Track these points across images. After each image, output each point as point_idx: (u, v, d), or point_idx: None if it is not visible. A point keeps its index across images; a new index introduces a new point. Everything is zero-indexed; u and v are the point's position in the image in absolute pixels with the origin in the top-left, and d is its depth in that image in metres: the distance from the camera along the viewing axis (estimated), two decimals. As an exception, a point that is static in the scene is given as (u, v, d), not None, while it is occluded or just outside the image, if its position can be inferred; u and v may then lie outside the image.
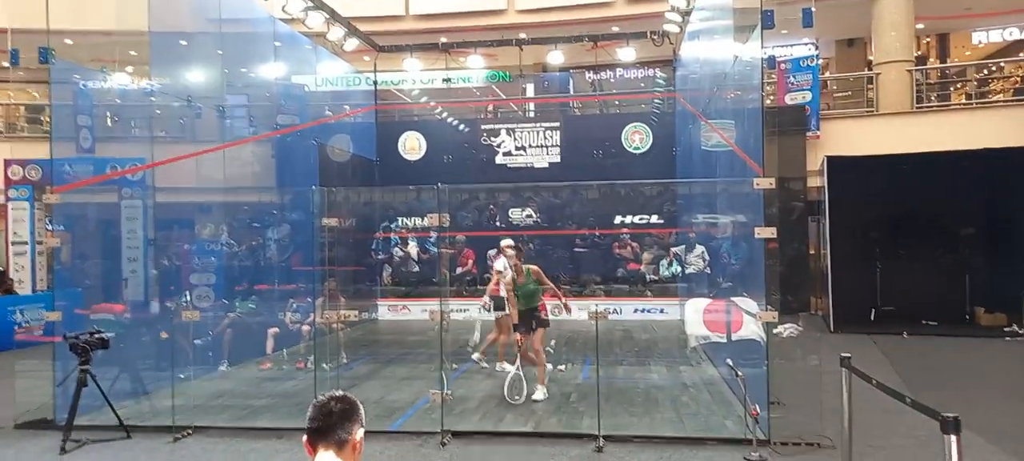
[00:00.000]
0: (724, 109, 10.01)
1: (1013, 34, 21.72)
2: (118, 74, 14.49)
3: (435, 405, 7.62)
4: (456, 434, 7.13)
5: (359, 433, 2.37)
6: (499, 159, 17.21)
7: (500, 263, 10.05)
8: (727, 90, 9.66)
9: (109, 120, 15.66)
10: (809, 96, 16.63)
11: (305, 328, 11.06)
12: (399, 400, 8.56)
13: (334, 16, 14.79)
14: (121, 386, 8.28)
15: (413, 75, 18.28)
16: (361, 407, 2.42)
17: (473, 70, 18.22)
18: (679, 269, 15.12)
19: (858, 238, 13.87)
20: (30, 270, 14.60)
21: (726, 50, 9.44)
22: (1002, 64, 21.16)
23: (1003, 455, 6.40)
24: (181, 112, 13.41)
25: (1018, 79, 19.34)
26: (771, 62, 16.59)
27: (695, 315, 10.10)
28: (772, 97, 17.02)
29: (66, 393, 7.38)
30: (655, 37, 16.05)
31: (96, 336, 7.42)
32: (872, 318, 13.64)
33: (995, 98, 18.90)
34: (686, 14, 13.81)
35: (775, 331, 8.21)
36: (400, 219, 17.44)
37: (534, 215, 17.04)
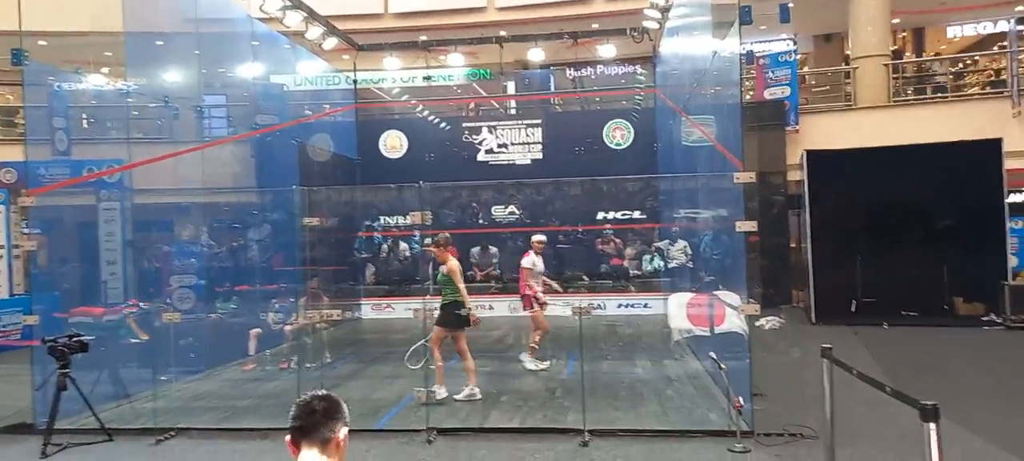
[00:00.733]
0: (704, 105, 10.06)
1: (987, 28, 22.02)
2: (94, 75, 14.31)
3: (420, 403, 7.61)
4: (441, 431, 7.12)
5: (343, 431, 2.36)
6: (481, 156, 17.20)
7: (528, 260, 9.91)
8: (706, 86, 9.71)
9: (85, 122, 15.48)
10: (788, 91, 16.77)
11: (288, 328, 10.99)
12: (384, 398, 8.53)
13: (312, 15, 14.69)
14: (102, 389, 8.19)
15: (393, 73, 18.21)
16: (344, 406, 2.41)
17: (454, 68, 18.16)
18: (662, 264, 15.18)
19: (838, 231, 13.99)
20: (7, 274, 14.37)
21: (705, 46, 9.49)
22: (976, 58, 21.45)
23: (982, 443, 6.50)
24: (158, 113, 13.30)
25: (991, 72, 19.60)
26: (750, 57, 16.73)
27: (678, 309, 10.14)
28: (751, 92, 17.15)
29: (46, 397, 7.30)
30: (635, 34, 16.08)
31: (75, 339, 7.33)
32: (853, 310, 13.78)
33: (970, 91, 19.15)
34: (665, 11, 13.86)
35: (757, 323, 8.27)
36: (382, 218, 17.38)
37: (517, 212, 17.04)
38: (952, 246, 13.52)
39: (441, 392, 8.22)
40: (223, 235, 12.55)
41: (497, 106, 20.48)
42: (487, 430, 7.27)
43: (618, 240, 16.48)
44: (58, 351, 7.15)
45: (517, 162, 17.07)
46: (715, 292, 8.90)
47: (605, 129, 17.01)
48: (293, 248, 10.71)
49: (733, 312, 7.80)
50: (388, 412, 7.97)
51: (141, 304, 10.26)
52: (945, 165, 13.44)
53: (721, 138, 8.46)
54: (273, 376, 10.10)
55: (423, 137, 17.67)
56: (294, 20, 14.27)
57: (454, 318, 8.37)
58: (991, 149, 13.50)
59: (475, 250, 16.45)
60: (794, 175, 15.82)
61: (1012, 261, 13.67)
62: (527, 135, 17.17)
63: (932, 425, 3.57)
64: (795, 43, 19.51)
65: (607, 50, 17.46)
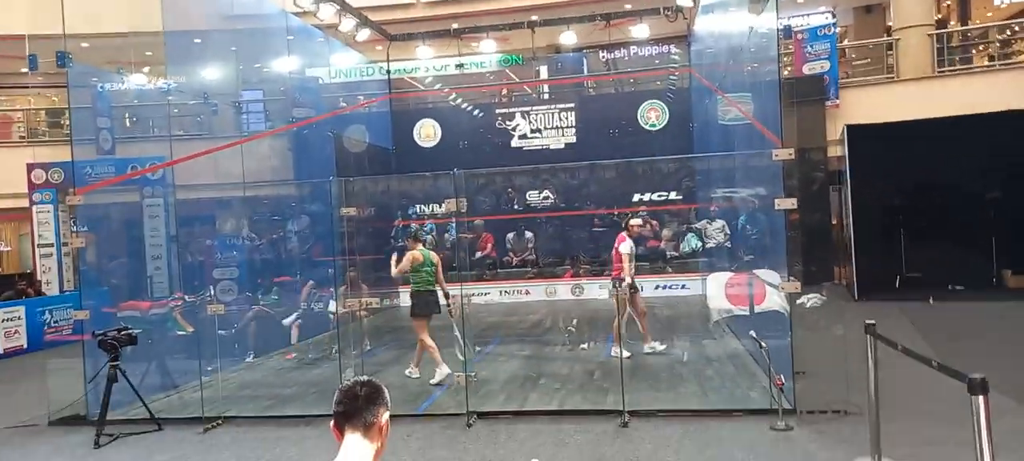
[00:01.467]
0: (741, 82, 9.92)
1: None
2: (135, 75, 14.60)
3: (459, 387, 7.68)
4: (481, 415, 7.17)
5: (385, 416, 2.39)
6: (515, 142, 17.19)
7: (626, 245, 9.66)
8: (743, 63, 9.57)
9: (128, 121, 15.86)
10: (827, 65, 16.39)
11: (294, 324, 11.16)
12: (423, 384, 8.62)
13: (345, 7, 14.81)
14: (150, 380, 8.42)
15: (426, 63, 18.27)
16: (386, 391, 2.44)
17: (486, 55, 18.17)
18: (699, 244, 15.03)
19: (881, 205, 13.72)
20: (57, 271, 14.82)
21: (741, 22, 9.35)
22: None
23: (1034, 416, 6.33)
24: (198, 110, 13.54)
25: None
26: (787, 32, 16.36)
27: (717, 289, 10.04)
28: (789, 68, 16.81)
29: (97, 389, 7.51)
30: (668, 13, 15.89)
31: (124, 333, 7.54)
32: (897, 285, 13.52)
33: (1019, 59, 18.53)
34: (699, -13, 13.68)
35: (798, 301, 8.15)
36: (418, 206, 17.48)
37: (552, 196, 17.01)
38: (1000, 218, 13.15)
39: (444, 369, 8.41)
40: (263, 227, 12.75)
41: (530, 91, 20.42)
42: (526, 413, 7.31)
43: (655, 222, 16.35)
44: (108, 345, 7.35)
45: (551, 146, 17.03)
46: (755, 271, 8.80)
47: (640, 110, 16.87)
48: (331, 238, 10.84)
49: (773, 290, 7.71)
50: (428, 397, 8.05)
51: (186, 297, 10.50)
52: (992, 136, 13.06)
53: (759, 115, 8.34)
54: (315, 364, 10.27)
55: (457, 125, 17.71)
56: (327, 13, 14.41)
57: (424, 304, 8.62)
58: (1041, 118, 13.09)
59: (511, 235, 16.47)
60: (835, 150, 15.49)
61: (1064, 232, 13.27)
62: (560, 119, 17.11)
63: (980, 398, 3.48)
64: (834, 16, 19.07)
65: (640, 30, 17.28)
